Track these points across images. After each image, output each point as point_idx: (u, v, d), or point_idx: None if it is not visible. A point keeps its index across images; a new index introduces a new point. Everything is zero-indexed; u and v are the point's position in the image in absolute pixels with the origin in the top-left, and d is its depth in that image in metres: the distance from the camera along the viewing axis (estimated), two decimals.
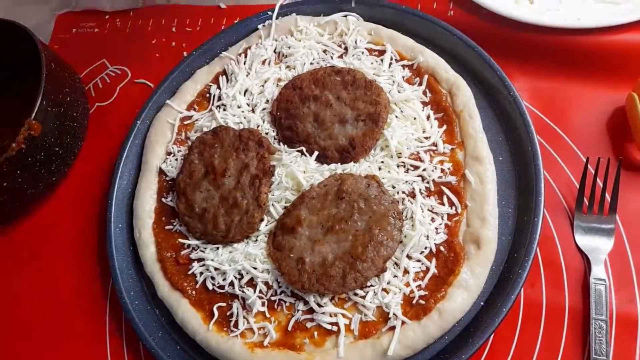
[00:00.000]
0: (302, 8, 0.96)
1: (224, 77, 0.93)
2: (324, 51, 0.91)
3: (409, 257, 0.72)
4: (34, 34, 0.90)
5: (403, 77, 0.85)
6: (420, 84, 0.84)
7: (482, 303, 0.71)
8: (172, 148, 0.88)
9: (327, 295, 0.71)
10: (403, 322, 0.68)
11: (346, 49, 0.90)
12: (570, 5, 0.87)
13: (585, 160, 0.78)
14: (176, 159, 0.87)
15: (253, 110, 0.88)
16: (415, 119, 0.81)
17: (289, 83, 0.87)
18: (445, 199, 0.75)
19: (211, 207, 0.80)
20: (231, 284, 0.75)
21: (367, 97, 0.82)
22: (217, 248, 0.79)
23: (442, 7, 0.95)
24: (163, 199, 0.85)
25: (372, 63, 0.87)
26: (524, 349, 0.70)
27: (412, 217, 0.74)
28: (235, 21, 1.01)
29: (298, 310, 0.72)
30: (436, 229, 0.73)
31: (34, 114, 0.81)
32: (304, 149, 0.81)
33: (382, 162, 0.79)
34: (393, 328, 0.68)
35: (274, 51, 0.93)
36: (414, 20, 0.91)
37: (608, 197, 0.75)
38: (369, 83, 0.83)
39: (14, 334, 0.85)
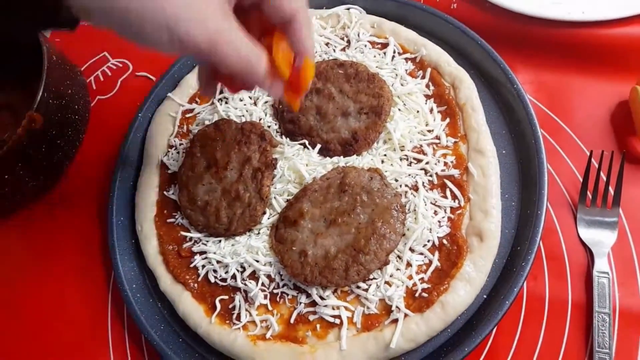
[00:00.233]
0: None
1: None
2: (327, 44, 0.91)
3: (411, 250, 0.72)
4: None
5: (406, 70, 0.85)
6: (423, 77, 0.84)
7: (484, 296, 0.71)
8: (174, 141, 0.88)
9: (329, 288, 0.71)
10: (406, 315, 0.68)
11: (349, 42, 0.90)
12: None
13: (588, 153, 0.77)
14: (178, 152, 0.87)
15: (255, 103, 0.88)
16: (418, 112, 0.81)
17: None
18: (448, 192, 0.75)
19: (213, 200, 0.80)
20: (233, 276, 0.75)
21: (370, 90, 0.81)
22: (219, 241, 0.79)
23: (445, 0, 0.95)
24: (165, 192, 0.85)
25: (374, 56, 0.87)
26: (526, 342, 0.70)
27: (414, 210, 0.73)
28: None
29: (300, 303, 0.72)
30: (439, 222, 0.73)
31: (35, 106, 0.80)
32: (307, 142, 0.81)
33: (385, 155, 0.79)
34: (396, 321, 0.68)
35: None
36: (417, 13, 0.90)
37: (611, 191, 0.75)
38: (372, 76, 0.82)
39: (14, 327, 0.85)
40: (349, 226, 0.73)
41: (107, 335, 0.82)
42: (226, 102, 0.89)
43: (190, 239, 0.80)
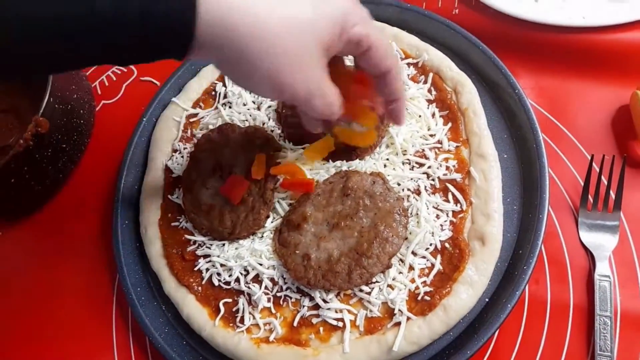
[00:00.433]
0: None
1: None
2: None
3: (414, 253, 0.72)
4: None
5: (408, 75, 0.86)
6: (425, 82, 0.85)
7: (487, 299, 0.71)
8: (178, 145, 0.89)
9: (332, 291, 0.72)
10: (408, 318, 0.69)
11: None
12: (575, 3, 0.87)
13: (589, 157, 0.78)
14: (182, 156, 0.88)
15: (259, 108, 0.89)
16: (420, 116, 0.81)
17: None
18: (450, 196, 0.75)
19: (217, 203, 0.81)
20: (237, 280, 0.76)
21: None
22: (223, 244, 0.79)
23: (447, 5, 0.95)
24: (169, 196, 0.85)
25: None
26: (528, 345, 0.70)
27: (417, 214, 0.74)
28: None
29: (304, 306, 0.72)
30: (441, 225, 0.74)
31: (41, 111, 0.81)
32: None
33: (388, 159, 0.79)
34: (398, 324, 0.69)
35: None
36: (419, 18, 0.91)
37: (612, 195, 0.75)
38: None
39: (19, 329, 0.85)
40: (352, 230, 0.73)
41: (111, 338, 0.82)
42: (230, 107, 0.90)
43: (195, 242, 0.81)
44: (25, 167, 0.83)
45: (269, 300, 0.74)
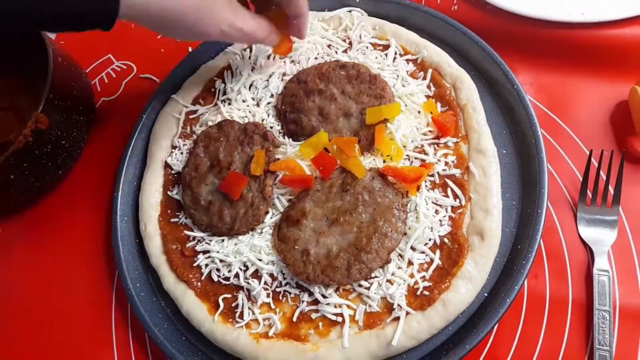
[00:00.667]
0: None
1: (229, 71, 0.93)
2: (329, 46, 0.91)
3: (413, 248, 0.72)
4: None
5: (407, 71, 0.86)
6: (424, 78, 0.85)
7: (485, 294, 0.71)
8: (178, 142, 0.89)
9: (331, 287, 0.72)
10: (407, 313, 0.69)
11: (350, 43, 0.91)
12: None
13: (588, 153, 0.78)
14: (181, 153, 0.88)
15: (258, 104, 0.89)
16: (419, 112, 0.82)
17: (294, 77, 0.88)
18: (449, 192, 0.76)
19: (216, 199, 0.81)
20: (236, 275, 0.76)
21: (372, 91, 0.82)
22: (223, 240, 0.79)
23: (446, 2, 0.95)
24: (169, 192, 0.86)
25: (376, 57, 0.88)
26: (527, 340, 0.71)
27: (416, 209, 0.74)
28: None
29: (303, 302, 0.73)
30: (440, 221, 0.74)
31: (41, 107, 0.82)
32: None
33: (387, 155, 0.79)
34: (397, 319, 0.69)
35: None
36: (418, 15, 0.91)
37: (611, 190, 0.75)
38: (374, 77, 0.83)
39: (19, 324, 0.86)
40: (351, 225, 0.73)
41: (111, 333, 0.82)
42: (229, 104, 0.90)
43: (194, 238, 0.81)
44: (24, 163, 0.84)
45: (268, 295, 0.74)
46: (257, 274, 0.76)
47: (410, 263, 0.72)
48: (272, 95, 0.88)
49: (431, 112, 0.81)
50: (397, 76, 0.85)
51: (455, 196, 0.75)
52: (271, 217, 0.79)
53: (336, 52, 0.90)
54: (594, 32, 0.84)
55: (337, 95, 0.84)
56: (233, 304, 0.75)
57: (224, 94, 0.91)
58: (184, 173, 0.85)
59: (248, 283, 0.75)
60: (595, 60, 0.85)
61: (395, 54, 0.88)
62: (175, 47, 1.05)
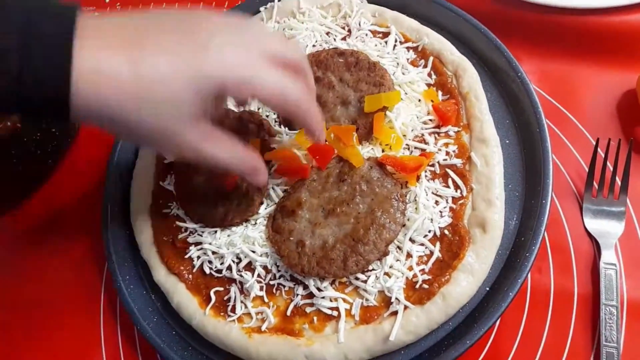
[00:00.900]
0: None
1: None
2: (327, 33, 0.89)
3: (412, 240, 0.70)
4: None
5: (407, 59, 0.83)
6: (425, 66, 0.82)
7: (487, 288, 0.68)
8: None
9: (327, 279, 0.69)
10: (406, 307, 0.66)
11: (350, 31, 0.88)
12: None
13: (594, 142, 0.76)
14: None
15: None
16: (419, 100, 0.79)
17: None
18: (450, 182, 0.73)
19: (210, 190, 0.78)
20: (229, 268, 0.73)
21: (371, 79, 0.80)
22: (215, 232, 0.77)
23: None
24: (160, 182, 0.83)
25: (376, 45, 0.85)
26: (531, 335, 0.68)
27: (415, 199, 0.72)
28: (237, 4, 0.99)
29: (297, 295, 0.70)
30: (440, 212, 0.71)
31: None
32: None
33: (386, 144, 0.77)
34: (395, 313, 0.66)
35: None
36: (418, 1, 0.89)
37: (618, 181, 0.73)
38: (373, 65, 0.81)
39: (7, 317, 0.84)
40: (348, 216, 0.71)
41: (99, 327, 0.80)
42: None
43: (186, 229, 0.78)
44: (12, 151, 0.82)
45: (261, 288, 0.72)
46: (250, 267, 0.73)
47: (409, 255, 0.69)
48: None
49: (432, 101, 0.79)
50: (397, 64, 0.83)
51: (457, 187, 0.73)
52: (265, 208, 0.76)
53: (335, 39, 0.88)
54: (600, 19, 0.82)
55: (335, 83, 0.81)
56: (225, 297, 0.73)
57: None
58: (176, 163, 0.82)
59: (241, 276, 0.72)
60: (601, 47, 0.83)
61: (396, 41, 0.85)
62: None
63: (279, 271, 0.72)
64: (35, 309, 0.83)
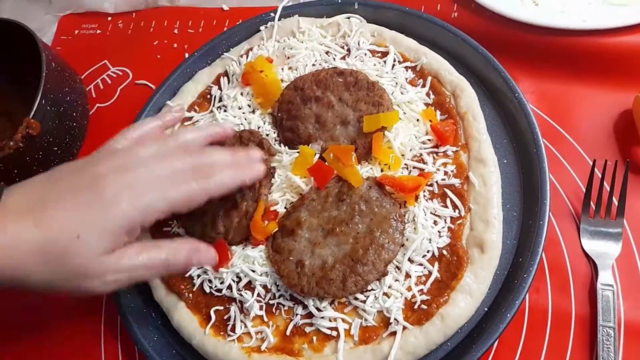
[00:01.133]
0: (305, 10, 0.96)
1: (225, 78, 0.92)
2: (327, 52, 0.90)
3: (410, 260, 0.70)
4: (35, 34, 0.89)
5: (406, 78, 0.84)
6: (423, 86, 0.83)
7: (485, 308, 0.69)
8: None
9: (326, 299, 0.70)
10: (404, 328, 0.67)
11: (349, 50, 0.89)
12: (576, 7, 0.86)
13: (591, 163, 0.76)
14: None
15: (254, 112, 0.87)
16: (418, 120, 0.80)
17: (291, 84, 0.86)
18: (448, 202, 0.73)
19: (210, 208, 0.78)
20: (229, 287, 0.73)
21: (370, 99, 0.80)
22: None
23: (446, 8, 0.94)
24: None
25: (375, 65, 0.86)
26: (529, 356, 0.68)
27: (414, 219, 0.72)
28: (238, 23, 1.00)
29: (297, 315, 0.70)
30: (439, 232, 0.72)
31: (32, 113, 0.80)
32: None
33: (385, 164, 0.78)
34: (394, 333, 0.66)
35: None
36: (417, 21, 0.90)
37: (615, 201, 0.73)
38: (372, 84, 0.82)
39: (6, 334, 0.84)
40: (347, 236, 0.71)
41: (99, 345, 0.80)
42: (225, 111, 0.88)
43: None
44: (15, 170, 0.82)
45: (261, 308, 0.72)
46: (250, 286, 0.73)
47: (407, 275, 0.70)
48: None
49: (430, 120, 0.79)
50: (396, 83, 0.83)
51: (455, 206, 0.73)
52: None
53: (334, 59, 0.89)
54: (596, 40, 0.83)
55: (334, 102, 0.82)
56: (225, 317, 0.73)
57: (220, 100, 0.90)
58: None
59: (241, 295, 0.73)
60: (598, 68, 0.83)
61: (394, 61, 0.86)
62: (171, 54, 1.04)
63: (278, 290, 0.72)
64: (36, 327, 0.83)
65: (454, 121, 0.79)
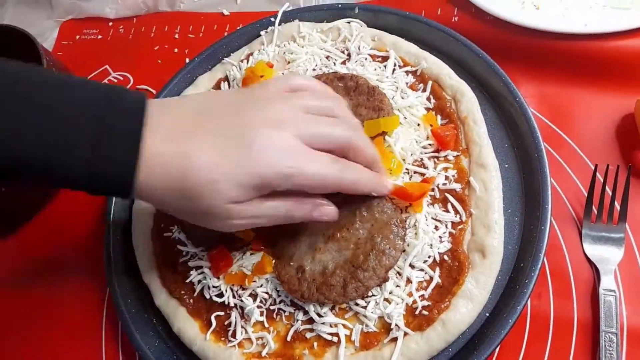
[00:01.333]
0: (305, 15, 0.96)
1: (226, 83, 0.92)
2: (327, 57, 0.90)
3: (411, 266, 0.70)
4: (35, 40, 0.89)
5: (406, 83, 0.84)
6: (424, 90, 0.83)
7: (487, 314, 0.68)
8: None
9: (327, 305, 0.69)
10: (405, 333, 0.66)
11: (349, 55, 0.89)
12: (577, 10, 0.85)
13: (593, 167, 0.76)
14: None
15: None
16: (419, 125, 0.80)
17: None
18: (449, 207, 0.73)
19: None
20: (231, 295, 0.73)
21: (370, 103, 0.80)
22: None
23: (447, 13, 0.94)
24: None
25: (375, 69, 0.86)
26: None
27: (415, 225, 0.72)
28: (238, 28, 1.01)
29: (297, 320, 0.70)
30: (440, 237, 0.71)
31: None
32: None
33: (387, 169, 0.77)
34: (395, 339, 0.66)
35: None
36: (417, 26, 0.90)
37: (617, 206, 0.73)
38: (372, 89, 0.81)
39: (8, 340, 0.84)
40: (348, 242, 0.71)
41: (100, 350, 0.80)
42: None
43: (187, 253, 0.79)
44: None
45: (262, 313, 0.72)
46: (251, 292, 0.73)
47: (408, 281, 0.69)
48: None
49: (431, 125, 0.79)
50: (397, 88, 0.83)
51: (456, 211, 0.73)
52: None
53: (334, 63, 0.89)
54: (597, 44, 0.82)
55: None
56: (226, 322, 0.73)
57: None
58: None
59: (241, 300, 0.72)
60: (599, 72, 0.83)
61: (395, 65, 0.86)
62: (172, 59, 1.05)
63: (279, 296, 0.72)
64: (36, 333, 0.83)
65: (454, 126, 0.79)
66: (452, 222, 0.72)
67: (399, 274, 0.70)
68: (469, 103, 0.80)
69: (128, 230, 0.84)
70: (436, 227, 0.72)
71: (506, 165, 0.78)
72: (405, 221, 0.72)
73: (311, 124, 0.61)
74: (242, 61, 0.93)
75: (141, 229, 0.82)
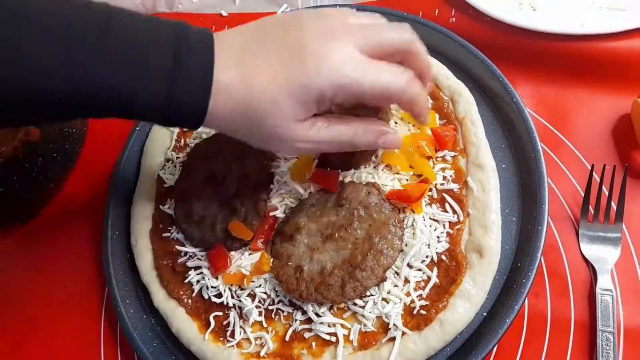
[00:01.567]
0: None
1: None
2: None
3: (409, 266, 0.70)
4: None
5: None
6: None
7: (484, 314, 0.69)
8: (171, 155, 0.88)
9: (325, 305, 0.70)
10: (403, 333, 0.67)
11: None
12: (574, 11, 0.86)
13: (590, 167, 0.76)
14: (175, 166, 0.87)
15: None
16: (413, 125, 0.80)
17: None
18: (447, 207, 0.74)
19: (209, 214, 0.79)
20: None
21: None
22: None
23: (444, 14, 0.94)
24: (161, 206, 0.84)
25: None
26: None
27: (413, 225, 0.72)
28: None
29: (296, 320, 0.70)
30: (438, 237, 0.72)
31: None
32: None
33: (383, 169, 0.78)
34: (393, 339, 0.67)
35: None
36: (415, 27, 0.87)
37: (614, 206, 0.73)
38: None
39: (8, 340, 0.84)
40: (346, 241, 0.71)
41: (99, 351, 0.80)
42: None
43: (186, 253, 0.79)
44: (14, 177, 0.82)
45: (260, 313, 0.72)
46: (250, 292, 0.73)
47: (406, 281, 0.70)
48: None
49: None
50: None
51: (454, 211, 0.73)
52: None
53: None
54: (594, 45, 0.83)
55: (333, 109, 0.82)
56: (224, 322, 0.73)
57: None
58: (176, 187, 0.83)
59: (240, 300, 0.73)
60: (596, 73, 0.83)
61: None
62: None
63: (277, 296, 0.73)
64: (35, 332, 0.83)
65: (454, 127, 0.79)
66: (450, 222, 0.73)
67: (397, 273, 0.70)
68: (467, 104, 0.80)
69: (127, 231, 0.85)
70: (434, 227, 0.72)
71: (503, 166, 0.78)
72: (403, 221, 0.73)
73: (368, 31, 0.60)
74: None
75: (140, 230, 0.82)
